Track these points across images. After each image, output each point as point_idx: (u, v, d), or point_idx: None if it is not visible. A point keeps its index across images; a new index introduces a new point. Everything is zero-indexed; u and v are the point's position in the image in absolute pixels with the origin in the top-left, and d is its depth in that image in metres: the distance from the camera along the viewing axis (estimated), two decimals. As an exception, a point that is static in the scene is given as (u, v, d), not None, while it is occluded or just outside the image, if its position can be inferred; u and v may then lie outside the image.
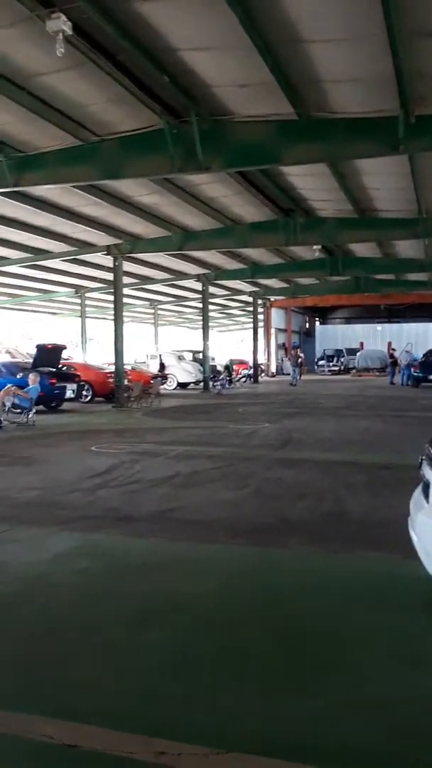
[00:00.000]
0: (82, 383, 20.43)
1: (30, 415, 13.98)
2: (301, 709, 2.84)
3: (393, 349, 37.20)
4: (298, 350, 37.12)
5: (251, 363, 36.12)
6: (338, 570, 4.70)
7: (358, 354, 43.71)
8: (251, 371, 35.54)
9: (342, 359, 45.62)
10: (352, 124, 10.10)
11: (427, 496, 3.60)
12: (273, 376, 41.16)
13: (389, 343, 42.54)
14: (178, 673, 3.17)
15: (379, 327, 49.74)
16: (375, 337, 48.13)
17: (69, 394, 18.37)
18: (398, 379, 30.63)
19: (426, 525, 3.50)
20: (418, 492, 3.94)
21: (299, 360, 33.10)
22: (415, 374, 27.92)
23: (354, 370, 42.38)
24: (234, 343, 53.91)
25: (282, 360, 42.98)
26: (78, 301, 31.43)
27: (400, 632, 3.61)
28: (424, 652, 3.36)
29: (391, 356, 34.41)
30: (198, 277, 26.77)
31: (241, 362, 38.99)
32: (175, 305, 38.44)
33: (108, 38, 8.02)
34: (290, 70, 8.73)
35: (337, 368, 44.94)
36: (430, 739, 2.64)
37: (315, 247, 21.08)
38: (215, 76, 9.15)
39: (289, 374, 38.32)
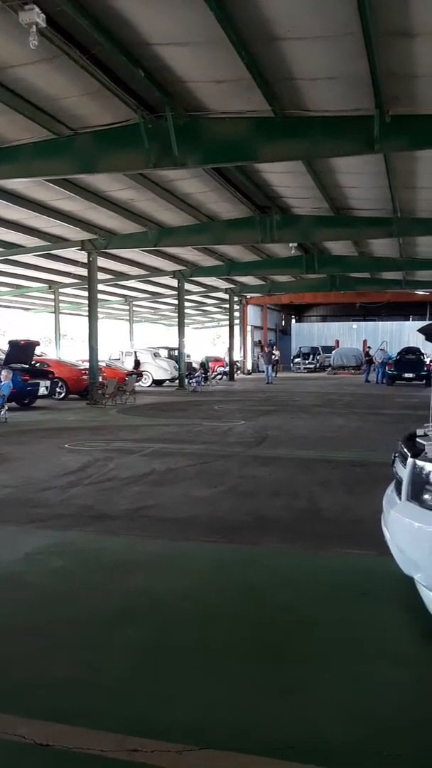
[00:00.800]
0: (56, 380, 20.25)
1: (2, 413, 13.82)
2: (275, 705, 2.85)
3: (368, 348, 37.53)
4: (273, 348, 37.23)
5: (227, 360, 36.13)
6: (313, 567, 4.72)
7: (333, 352, 44.00)
8: (227, 368, 35.55)
9: (318, 357, 45.89)
10: (328, 122, 10.14)
11: (399, 493, 3.62)
12: (249, 373, 41.25)
13: (364, 342, 42.92)
14: (152, 670, 3.16)
15: (354, 325, 50.12)
16: (350, 335, 48.50)
17: (42, 391, 18.20)
18: (373, 377, 30.93)
19: (398, 521, 3.53)
20: (390, 489, 3.97)
21: (273, 357, 32.91)
22: (390, 372, 28.23)
23: (329, 368, 42.67)
24: (210, 340, 53.97)
25: (258, 357, 42.82)
26: (52, 296, 31.12)
27: (373, 628, 3.63)
28: (397, 647, 3.39)
29: (367, 354, 34.70)
30: (174, 274, 26.68)
31: (217, 359, 39.01)
32: (151, 302, 38.30)
33: (82, 31, 7.91)
34: (266, 67, 8.72)
35: (312, 366, 45.19)
36: (404, 733, 2.66)
37: (291, 244, 21.13)
38: (191, 72, 9.10)
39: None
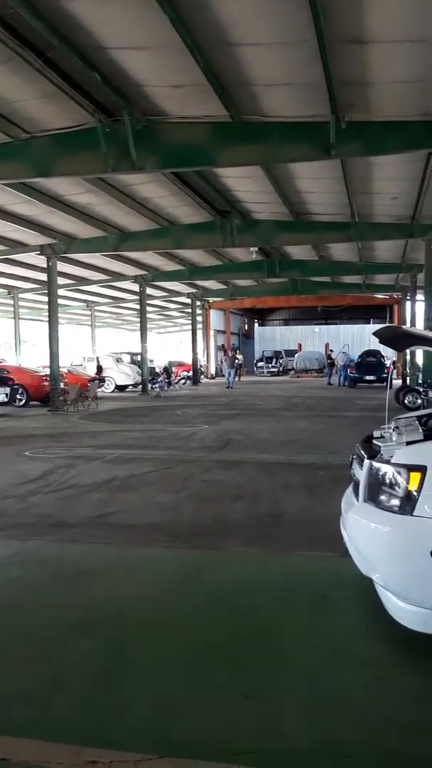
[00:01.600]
0: (16, 387, 19.94)
1: (-39, 421, 13.53)
2: (235, 711, 2.83)
3: (330, 351, 37.98)
4: (236, 352, 37.33)
5: (190, 365, 36.10)
6: (274, 569, 4.73)
7: (296, 355, 44.37)
8: (190, 373, 35.53)
9: (281, 361, 46.20)
10: (285, 128, 10.23)
11: (357, 495, 3.66)
12: (213, 377, 41.28)
13: (327, 345, 43.45)
14: (112, 680, 3.12)
15: (316, 329, 50.67)
16: (313, 339, 49.00)
17: (2, 398, 17.95)
18: (335, 379, 31.30)
19: (355, 522, 3.56)
20: (349, 491, 4.00)
21: (237, 362, 32.87)
22: (352, 375, 28.59)
23: (293, 372, 43.00)
24: (173, 345, 53.85)
25: (221, 362, 42.85)
26: (11, 302, 30.64)
27: (333, 629, 3.65)
28: (356, 648, 3.41)
29: (329, 357, 35.10)
30: (135, 279, 26.56)
31: (180, 364, 38.94)
32: (113, 307, 38.04)
33: (37, 34, 7.82)
34: (222, 72, 8.75)
35: (276, 369, 45.47)
36: (364, 734, 2.67)
37: (252, 249, 21.26)
38: (148, 76, 9.08)
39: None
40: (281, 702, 2.91)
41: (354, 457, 4.01)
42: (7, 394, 18.34)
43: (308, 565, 4.79)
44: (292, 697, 2.95)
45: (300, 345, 47.63)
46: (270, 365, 45.85)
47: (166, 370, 31.31)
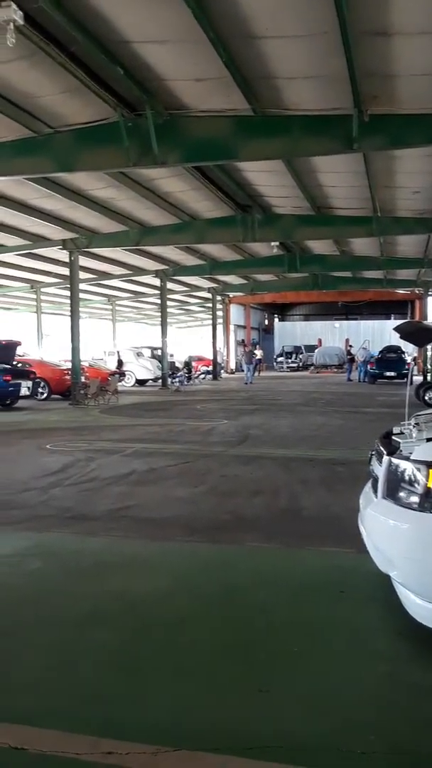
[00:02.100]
0: (38, 380, 20.11)
1: (-17, 413, 13.70)
2: (250, 705, 2.84)
3: (350, 346, 37.72)
4: (255, 347, 37.20)
5: (210, 359, 36.10)
6: (291, 565, 4.73)
7: (316, 351, 44.16)
8: (209, 368, 35.53)
9: (300, 356, 46.02)
10: (307, 121, 10.16)
11: (375, 491, 3.64)
12: (232, 372, 41.26)
13: (347, 340, 43.16)
14: (128, 671, 3.14)
15: (336, 324, 50.37)
16: (333, 334, 48.72)
17: (24, 391, 18.07)
18: (355, 375, 31.10)
19: (374, 519, 3.54)
20: (368, 487, 3.98)
21: (255, 357, 32.54)
22: (372, 371, 28.40)
23: (312, 367, 42.82)
24: (193, 339, 53.90)
25: (241, 357, 41.66)
26: (33, 296, 30.90)
27: (350, 625, 3.64)
28: (372, 644, 3.40)
29: (349, 353, 34.89)
30: (156, 273, 26.62)
31: (200, 359, 38.96)
32: (134, 301, 38.17)
33: (60, 29, 7.86)
34: (245, 65, 8.72)
35: (295, 365, 45.32)
36: (379, 732, 2.66)
37: (273, 243, 21.18)
38: (170, 70, 9.07)
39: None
40: (296, 697, 2.91)
41: (373, 453, 3.99)
42: (29, 388, 18.48)
43: (326, 561, 4.78)
44: (307, 692, 2.95)
45: (320, 340, 47.39)
46: (290, 360, 45.70)
47: (186, 365, 31.35)
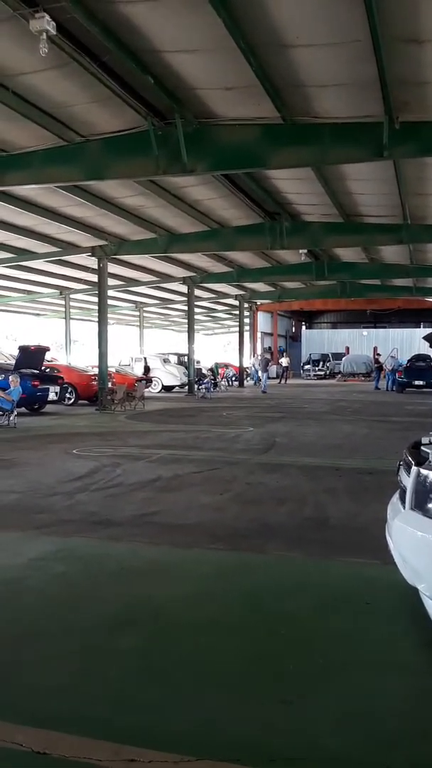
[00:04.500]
0: (66, 385, 20.30)
1: (11, 418, 13.86)
2: (274, 716, 2.81)
3: (378, 354, 37.40)
4: (281, 354, 36.96)
5: (232, 366, 36.08)
6: (317, 575, 4.68)
7: (343, 359, 43.86)
8: (231, 375, 35.48)
9: (328, 364, 45.76)
10: (337, 129, 10.15)
11: (403, 502, 3.58)
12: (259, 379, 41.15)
13: (375, 348, 42.79)
14: (153, 679, 3.13)
15: (365, 332, 50.00)
16: (361, 342, 48.34)
17: (52, 396, 18.25)
18: (383, 384, 30.81)
19: (401, 530, 3.49)
20: (395, 497, 3.92)
21: (270, 363, 31.36)
22: (400, 379, 28.10)
23: (339, 375, 42.54)
24: (220, 346, 53.98)
25: (254, 364, 35.78)
26: (62, 302, 31.26)
27: (376, 637, 3.59)
28: (400, 657, 3.35)
29: (377, 361, 34.58)
30: (184, 280, 26.74)
31: (227, 366, 38.97)
32: (161, 308, 38.38)
33: (92, 39, 7.98)
34: (275, 73, 8.74)
35: (322, 373, 45.07)
36: (405, 746, 2.61)
37: (301, 251, 21.15)
38: (200, 79, 9.14)
39: (276, 378, 38.35)
40: (321, 709, 2.87)
41: (401, 463, 3.93)
42: (57, 393, 18.67)
43: (351, 571, 4.72)
44: (331, 704, 2.91)
45: (347, 348, 47.07)
46: (317, 368, 45.48)
47: (212, 372, 31.38)
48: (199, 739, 2.65)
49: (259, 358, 32.74)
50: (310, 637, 3.61)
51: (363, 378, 40.50)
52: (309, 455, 10.16)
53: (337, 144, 10.33)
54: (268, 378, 29.79)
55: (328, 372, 45.01)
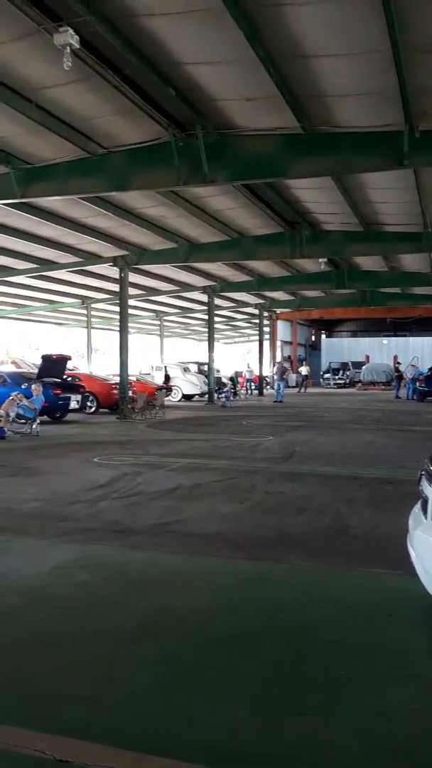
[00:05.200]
0: (87, 394, 20.45)
1: (34, 426, 14.00)
2: (293, 726, 2.80)
3: (398, 363, 37.11)
4: (301, 363, 36.84)
5: (249, 374, 36.03)
6: (338, 585, 4.66)
7: (363, 367, 43.63)
8: (248, 383, 35.44)
9: (348, 372, 45.54)
10: (357, 138, 10.16)
11: (425, 512, 3.56)
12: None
13: (395, 357, 42.50)
14: (173, 688, 3.14)
15: (385, 340, 49.70)
16: (381, 351, 48.05)
17: (73, 405, 18.38)
18: (404, 393, 30.56)
19: (423, 541, 3.47)
20: (417, 507, 3.90)
21: (287, 372, 30.39)
22: (421, 388, 27.84)
23: (359, 384, 42.30)
24: (240, 355, 53.98)
25: (273, 373, 33.77)
26: (84, 311, 31.54)
27: (398, 648, 3.56)
28: (423, 669, 3.32)
29: (397, 370, 34.32)
30: (204, 289, 26.84)
31: (249, 371, 38.95)
32: (181, 317, 38.53)
33: (115, 52, 8.09)
34: (295, 84, 8.79)
35: (342, 381, 44.85)
36: (427, 759, 2.59)
37: (321, 260, 21.13)
38: (221, 90, 9.22)
39: (295, 387, 38.24)
40: (340, 721, 2.85)
41: (422, 473, 3.91)
42: (78, 402, 18.81)
43: (373, 582, 4.69)
44: (351, 716, 2.89)
45: (367, 357, 46.80)
46: (336, 377, 45.27)
47: (232, 380, 31.38)
48: (218, 749, 2.65)
49: (275, 366, 32.45)
50: (330, 648, 3.59)
51: (383, 387, 40.22)
52: (329, 464, 10.12)
53: (357, 153, 10.34)
54: (286, 387, 29.48)
55: (348, 381, 44.78)
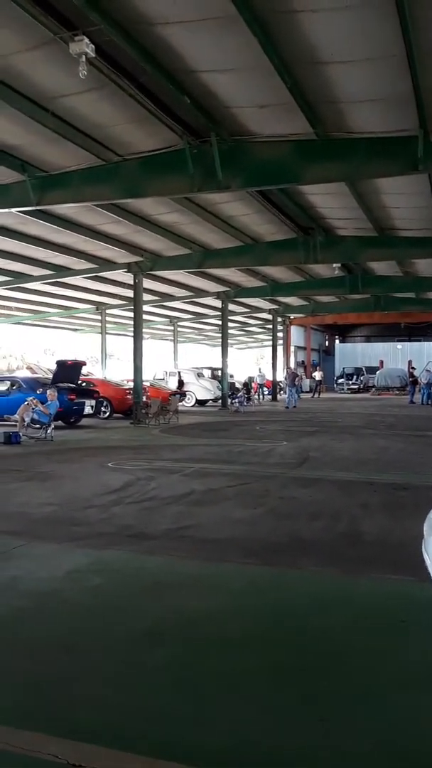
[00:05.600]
0: (101, 399, 20.52)
1: (49, 431, 14.08)
2: (306, 733, 2.80)
3: (413, 368, 36.91)
4: (315, 368, 36.77)
5: (260, 380, 36.01)
6: (350, 591, 4.64)
7: (377, 372, 43.45)
8: (261, 389, 35.41)
9: (362, 378, 45.38)
10: (371, 143, 10.17)
11: (440, 518, 3.55)
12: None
13: (409, 362, 42.25)
14: (185, 692, 3.15)
15: (399, 345, 49.47)
16: (395, 356, 47.83)
17: (88, 410, 18.45)
18: (418, 398, 30.37)
19: (438, 547, 3.46)
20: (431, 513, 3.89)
21: (298, 378, 29.69)
22: (435, 393, 27.66)
23: (374, 389, 42.11)
24: (253, 360, 53.97)
25: (285, 379, 33.15)
26: (99, 317, 31.72)
27: (412, 655, 3.54)
28: (437, 678, 3.30)
29: (411, 375, 34.12)
30: (218, 295, 26.90)
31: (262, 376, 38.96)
32: (195, 322, 38.64)
33: (130, 60, 8.17)
34: (309, 90, 8.82)
35: (356, 387, 44.70)
36: (441, 768, 2.58)
37: (335, 265, 21.11)
38: (235, 97, 9.27)
39: (310, 392, 38.12)
40: (355, 727, 2.84)
41: (437, 480, 3.90)
42: (92, 407, 18.88)
43: (386, 588, 4.66)
44: (366, 723, 2.88)
45: (381, 362, 46.59)
46: (350, 382, 45.13)
47: (246, 386, 31.36)
48: (232, 754, 2.65)
49: (286, 372, 32.31)
50: (344, 654, 3.58)
51: (397, 392, 40.01)
52: (343, 470, 10.08)
53: (371, 158, 10.35)
54: (298, 392, 29.18)
55: (362, 386, 44.60)
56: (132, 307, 21.72)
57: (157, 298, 27.23)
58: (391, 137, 10.02)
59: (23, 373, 24.67)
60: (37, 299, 27.65)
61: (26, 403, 14.03)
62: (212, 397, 29.22)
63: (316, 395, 37.91)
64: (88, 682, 3.25)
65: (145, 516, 6.88)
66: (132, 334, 21.48)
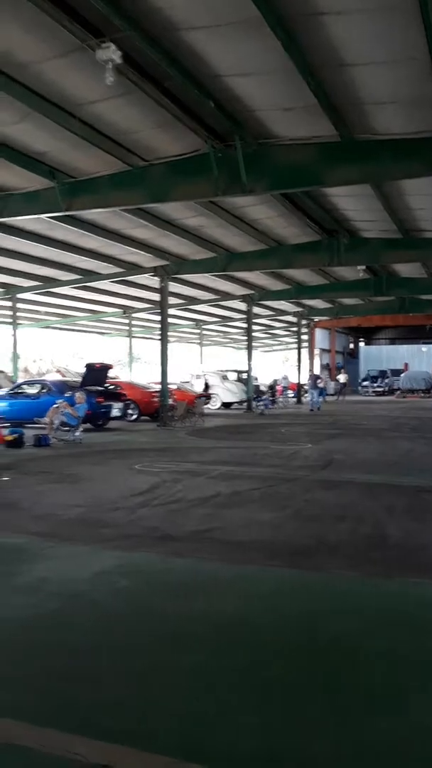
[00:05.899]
0: (128, 402, 20.65)
1: (77, 433, 14.24)
2: (330, 737, 2.81)
3: (439, 371, 36.52)
4: (339, 371, 36.53)
5: (284, 383, 35.94)
6: (376, 594, 4.64)
7: (402, 375, 43.05)
8: (285, 391, 35.33)
9: (386, 380, 45.00)
10: (395, 145, 10.12)
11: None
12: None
13: (435, 364, 41.84)
14: (211, 695, 3.17)
15: (424, 348, 48.92)
16: (420, 358, 47.32)
17: (115, 412, 18.59)
18: (445, 400, 30.04)
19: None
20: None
21: (319, 381, 29.40)
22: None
23: (398, 392, 41.72)
24: (278, 363, 53.86)
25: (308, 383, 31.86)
26: (126, 321, 31.97)
27: (439, 660, 3.54)
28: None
29: (437, 377, 33.78)
30: (242, 298, 26.93)
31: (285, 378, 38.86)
32: (220, 325, 38.68)
33: (155, 66, 8.25)
34: (333, 93, 8.82)
35: (381, 389, 44.33)
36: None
37: (359, 267, 21.00)
38: (259, 101, 9.31)
39: (334, 395, 37.93)
40: (378, 732, 2.84)
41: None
42: (120, 409, 19.00)
43: (412, 591, 4.65)
44: (394, 730, 2.88)
45: (406, 364, 46.14)
46: (375, 385, 44.79)
47: (270, 388, 31.33)
48: (257, 761, 2.66)
49: (309, 375, 32.15)
50: (369, 658, 3.58)
51: (422, 394, 39.60)
52: (368, 472, 10.03)
53: (396, 160, 10.30)
54: (321, 394, 28.84)
55: (386, 389, 44.21)
56: (158, 311, 21.85)
57: (182, 301, 27.36)
58: (415, 138, 9.95)
59: (53, 377, 24.94)
60: (65, 303, 27.97)
61: (55, 405, 14.22)
62: (237, 400, 29.24)
63: (341, 398, 37.70)
64: (114, 683, 3.29)
65: (172, 518, 6.93)
66: (158, 337, 21.61)
